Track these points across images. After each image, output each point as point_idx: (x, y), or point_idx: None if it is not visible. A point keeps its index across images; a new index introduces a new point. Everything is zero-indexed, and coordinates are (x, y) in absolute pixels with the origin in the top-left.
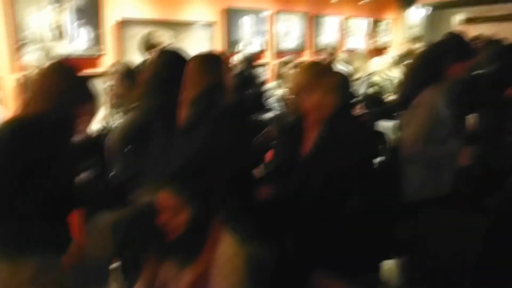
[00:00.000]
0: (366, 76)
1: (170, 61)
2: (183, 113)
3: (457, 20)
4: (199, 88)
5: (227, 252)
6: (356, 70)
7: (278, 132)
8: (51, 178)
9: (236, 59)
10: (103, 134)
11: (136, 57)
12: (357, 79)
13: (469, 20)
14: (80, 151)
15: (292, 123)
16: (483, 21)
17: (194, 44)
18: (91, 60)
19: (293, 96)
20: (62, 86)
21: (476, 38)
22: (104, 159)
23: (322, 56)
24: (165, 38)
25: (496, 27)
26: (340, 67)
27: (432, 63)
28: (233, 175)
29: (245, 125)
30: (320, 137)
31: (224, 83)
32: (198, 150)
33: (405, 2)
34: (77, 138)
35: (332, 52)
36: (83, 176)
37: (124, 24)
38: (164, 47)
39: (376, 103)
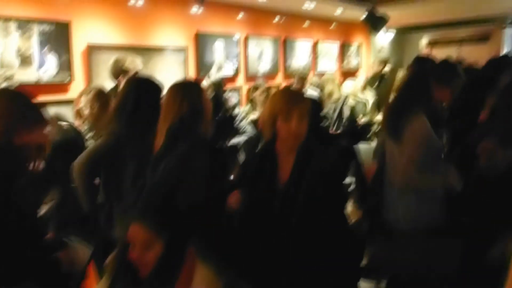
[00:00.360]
0: (340, 99)
1: (140, 88)
2: (159, 143)
3: (422, 42)
4: (175, 117)
5: (202, 284)
6: (328, 93)
7: (250, 158)
8: (7, 210)
9: (205, 83)
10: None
11: (106, 83)
12: (331, 102)
13: (433, 43)
14: (40, 181)
15: (264, 150)
16: (447, 44)
17: (166, 69)
18: (59, 86)
19: (268, 122)
20: (2, 111)
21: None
22: (69, 187)
23: (293, 80)
24: (136, 64)
25: (457, 49)
26: (310, 91)
27: (420, 87)
28: (207, 206)
29: (220, 156)
30: (297, 165)
31: (202, 112)
32: (169, 181)
33: (373, 26)
34: (38, 166)
35: (303, 77)
36: (47, 206)
37: (93, 50)
38: (134, 73)
39: (349, 126)
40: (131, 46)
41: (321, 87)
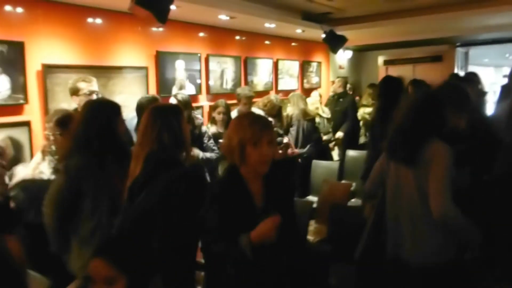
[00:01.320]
0: (304, 117)
1: (91, 113)
2: (137, 170)
3: (379, 61)
4: (154, 143)
5: None
6: (291, 111)
7: (217, 185)
8: None
9: (172, 101)
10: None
11: (62, 104)
12: (295, 120)
13: (389, 62)
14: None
15: (230, 175)
16: (402, 63)
17: (127, 89)
18: (13, 108)
19: (236, 148)
20: None
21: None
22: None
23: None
24: (92, 84)
25: (413, 68)
26: (257, 111)
27: (435, 113)
28: (176, 243)
29: (201, 186)
30: (268, 189)
31: (183, 139)
32: (149, 216)
33: (332, 46)
34: None
35: (249, 96)
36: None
37: (48, 70)
38: (90, 95)
39: (313, 143)
40: (89, 66)
41: (284, 105)
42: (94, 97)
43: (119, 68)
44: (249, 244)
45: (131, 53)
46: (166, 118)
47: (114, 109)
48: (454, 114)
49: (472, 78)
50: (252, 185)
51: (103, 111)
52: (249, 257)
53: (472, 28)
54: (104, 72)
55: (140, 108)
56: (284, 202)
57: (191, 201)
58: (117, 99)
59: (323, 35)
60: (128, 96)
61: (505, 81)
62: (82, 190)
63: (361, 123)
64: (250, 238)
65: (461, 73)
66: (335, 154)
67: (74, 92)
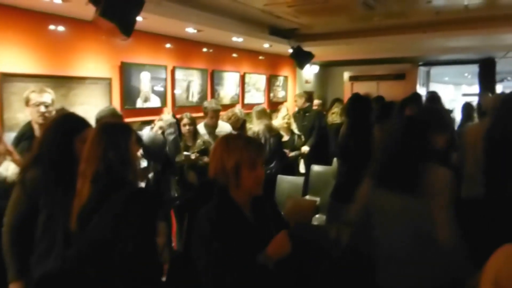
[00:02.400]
0: (269, 132)
1: (60, 126)
2: (84, 190)
3: (344, 77)
4: (100, 162)
5: None
6: (256, 127)
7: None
8: None
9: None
10: None
11: (19, 115)
12: (262, 135)
13: (354, 78)
14: None
15: (223, 199)
16: (367, 79)
17: (89, 100)
18: None
19: (231, 171)
20: None
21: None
22: None
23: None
24: (42, 95)
25: (377, 84)
26: (223, 125)
27: (423, 137)
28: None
29: (153, 204)
30: (257, 211)
31: (129, 159)
32: (90, 249)
33: (299, 61)
34: None
35: (216, 110)
36: None
37: (5, 79)
38: (38, 106)
39: (279, 158)
40: (49, 76)
41: (252, 119)
42: (42, 108)
43: (81, 79)
44: (270, 260)
45: (94, 63)
46: (113, 136)
47: (78, 124)
48: (437, 135)
49: (438, 97)
50: (244, 208)
51: (65, 125)
52: (272, 272)
53: (434, 49)
54: (65, 82)
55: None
56: (275, 218)
57: (148, 223)
58: (78, 110)
59: (290, 50)
60: (90, 108)
61: (464, 99)
62: (38, 206)
63: None
64: (268, 255)
65: (423, 90)
66: (302, 167)
67: (26, 102)
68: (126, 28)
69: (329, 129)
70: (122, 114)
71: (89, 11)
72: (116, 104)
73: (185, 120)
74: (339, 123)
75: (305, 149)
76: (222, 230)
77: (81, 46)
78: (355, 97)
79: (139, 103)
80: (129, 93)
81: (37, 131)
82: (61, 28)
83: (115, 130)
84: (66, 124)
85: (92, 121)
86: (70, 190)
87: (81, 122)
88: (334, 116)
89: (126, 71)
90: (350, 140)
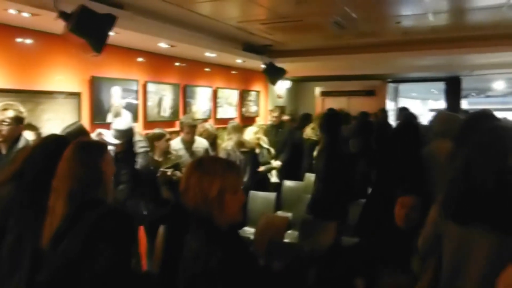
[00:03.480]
0: (239, 148)
1: (43, 146)
2: (57, 208)
3: (316, 92)
4: (74, 181)
5: None
6: (237, 142)
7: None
8: None
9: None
10: None
11: None
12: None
13: (326, 93)
14: None
15: (209, 231)
16: (338, 95)
17: (57, 116)
18: None
19: (216, 198)
20: None
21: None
22: None
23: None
24: (12, 112)
25: (348, 100)
26: (200, 140)
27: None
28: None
29: (128, 224)
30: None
31: (102, 178)
32: (60, 270)
33: (271, 77)
34: None
35: (192, 125)
36: None
37: None
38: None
39: (249, 175)
40: (16, 90)
41: (226, 134)
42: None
43: (49, 93)
44: None
45: (63, 77)
46: (86, 155)
47: (60, 146)
48: None
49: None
50: None
51: (48, 146)
52: None
53: (402, 67)
54: (32, 96)
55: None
56: None
57: (121, 245)
58: (45, 126)
59: (263, 66)
60: (57, 123)
61: (431, 114)
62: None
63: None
64: None
65: (392, 105)
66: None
67: None
68: (97, 44)
69: (305, 144)
70: (92, 129)
71: (58, 25)
72: (86, 119)
73: (168, 136)
74: (315, 140)
75: (277, 163)
76: (234, 270)
77: (49, 59)
78: (329, 113)
79: (110, 118)
80: (99, 108)
81: None
82: (29, 41)
83: (89, 148)
84: (50, 143)
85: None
86: (42, 212)
87: (62, 142)
88: (311, 133)
89: (96, 86)
90: (323, 157)
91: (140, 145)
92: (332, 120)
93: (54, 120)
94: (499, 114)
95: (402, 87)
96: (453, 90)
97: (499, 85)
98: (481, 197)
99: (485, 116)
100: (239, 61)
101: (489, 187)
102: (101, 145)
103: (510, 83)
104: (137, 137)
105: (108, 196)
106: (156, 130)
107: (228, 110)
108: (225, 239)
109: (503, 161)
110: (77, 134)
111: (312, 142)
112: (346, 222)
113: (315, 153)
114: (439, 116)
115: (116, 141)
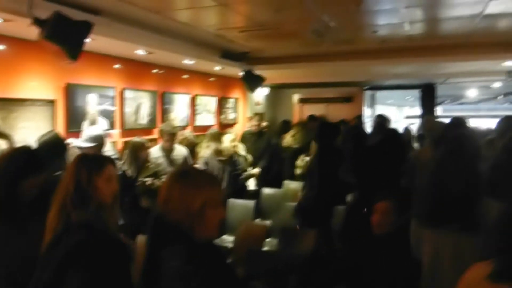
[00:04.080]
0: (216, 156)
1: (8, 161)
2: (52, 223)
3: (294, 99)
4: (66, 195)
5: None
6: (215, 150)
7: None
8: None
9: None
10: None
11: None
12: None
13: (304, 100)
14: None
15: (192, 248)
16: (316, 102)
17: (30, 124)
18: None
19: (197, 213)
20: None
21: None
22: None
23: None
24: None
25: (326, 107)
26: (180, 148)
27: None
28: None
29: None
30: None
31: (90, 196)
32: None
33: (250, 85)
34: None
35: (172, 133)
36: None
37: None
38: None
39: (227, 183)
40: None
41: (203, 141)
42: None
43: (23, 101)
44: None
45: (36, 84)
46: (83, 169)
47: (28, 159)
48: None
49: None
50: None
51: (15, 159)
52: None
53: (379, 74)
54: (4, 104)
55: (43, 149)
56: None
57: (100, 276)
58: (18, 134)
59: (241, 73)
60: (31, 132)
61: (407, 121)
62: None
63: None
64: None
65: (369, 111)
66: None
67: None
68: (73, 51)
69: (285, 152)
70: (68, 137)
71: (32, 31)
72: (61, 127)
73: (147, 144)
74: (296, 148)
75: (256, 171)
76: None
77: (23, 66)
78: (323, 124)
79: (85, 126)
80: (74, 116)
81: None
82: (1, 47)
83: (85, 161)
84: (15, 159)
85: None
86: (16, 230)
87: (30, 157)
88: (291, 140)
89: (71, 93)
90: (316, 165)
91: (109, 154)
92: (325, 130)
93: (28, 129)
94: (472, 121)
95: (379, 94)
96: (428, 97)
97: (472, 92)
98: (450, 201)
99: (455, 124)
100: (217, 68)
101: (456, 191)
102: (101, 159)
103: (482, 91)
104: (107, 147)
105: (101, 217)
106: (136, 139)
107: (207, 117)
108: (205, 256)
109: (469, 167)
110: (53, 142)
111: (292, 150)
112: (330, 228)
113: (299, 162)
114: (427, 121)
115: (86, 144)
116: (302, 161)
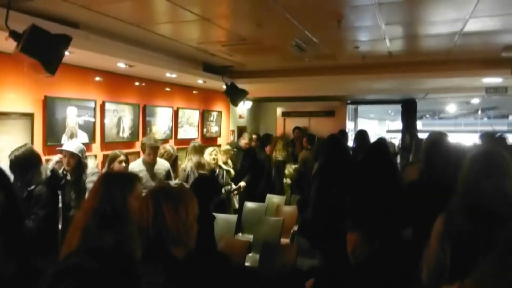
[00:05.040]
0: (198, 169)
1: None
2: (72, 241)
3: (277, 112)
4: (93, 213)
5: None
6: (197, 163)
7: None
8: None
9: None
10: None
11: None
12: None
13: (287, 114)
14: None
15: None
16: (299, 115)
17: (7, 138)
18: None
19: (191, 225)
20: None
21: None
22: None
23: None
24: None
25: (309, 120)
26: (162, 162)
27: None
28: None
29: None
30: None
31: (121, 215)
32: None
33: (233, 98)
34: None
35: (154, 146)
36: None
37: None
38: None
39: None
40: None
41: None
42: None
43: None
44: None
45: (14, 97)
46: (112, 187)
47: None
48: None
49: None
50: None
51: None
52: None
53: (360, 90)
54: None
55: (15, 163)
56: None
57: None
58: None
59: (224, 87)
60: (7, 145)
61: (389, 135)
62: None
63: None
64: None
65: (351, 125)
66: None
67: None
68: (50, 65)
69: (273, 165)
70: (45, 151)
71: (8, 43)
72: (39, 141)
73: (122, 157)
74: (281, 160)
75: (242, 184)
76: None
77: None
78: (331, 137)
79: (64, 140)
80: (53, 129)
81: None
82: None
83: (119, 180)
84: None
85: (6, 161)
86: None
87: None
88: (278, 154)
89: (50, 106)
90: (318, 178)
91: (91, 179)
92: (330, 145)
93: (4, 142)
94: (451, 135)
95: (361, 108)
96: (409, 112)
97: (451, 108)
98: None
99: (433, 141)
100: (200, 81)
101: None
102: (131, 176)
103: (461, 106)
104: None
105: (130, 236)
106: (116, 151)
107: (189, 130)
108: (185, 272)
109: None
110: (26, 157)
111: (279, 163)
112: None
113: (286, 172)
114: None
115: (72, 149)
116: (289, 172)
